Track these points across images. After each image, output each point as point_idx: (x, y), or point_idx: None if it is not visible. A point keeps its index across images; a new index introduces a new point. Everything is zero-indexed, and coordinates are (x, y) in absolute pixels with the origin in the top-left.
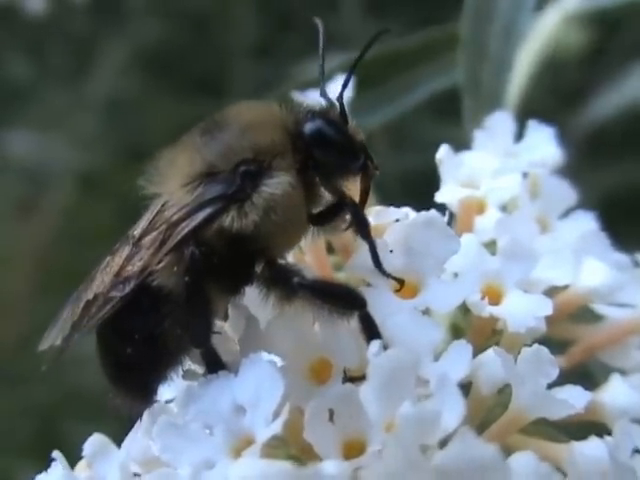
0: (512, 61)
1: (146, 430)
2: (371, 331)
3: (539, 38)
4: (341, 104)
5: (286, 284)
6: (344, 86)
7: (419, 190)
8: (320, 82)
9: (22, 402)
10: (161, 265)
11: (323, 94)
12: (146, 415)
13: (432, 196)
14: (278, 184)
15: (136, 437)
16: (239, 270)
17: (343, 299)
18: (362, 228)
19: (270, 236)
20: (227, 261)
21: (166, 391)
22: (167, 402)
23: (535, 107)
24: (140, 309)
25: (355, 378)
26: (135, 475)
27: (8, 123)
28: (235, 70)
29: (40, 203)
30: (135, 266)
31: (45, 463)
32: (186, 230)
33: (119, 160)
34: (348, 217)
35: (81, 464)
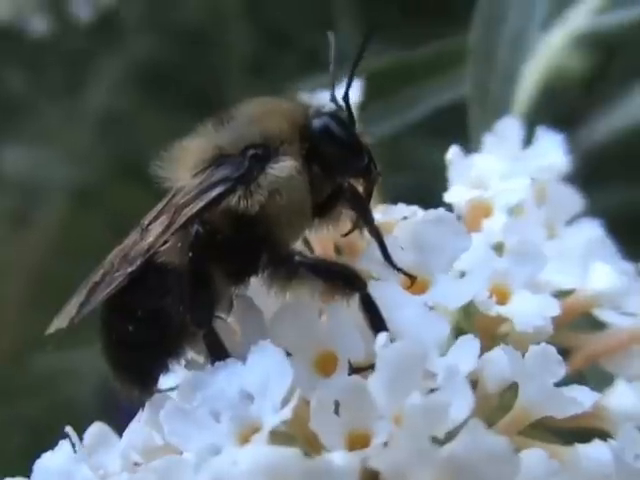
0: (519, 72)
1: (147, 420)
2: (373, 314)
3: (545, 56)
4: (347, 103)
5: (288, 262)
6: (348, 84)
7: None
8: (329, 89)
9: (11, 415)
10: (167, 244)
11: (333, 99)
12: (148, 405)
13: None
14: (284, 167)
15: (137, 427)
16: (244, 256)
17: (344, 278)
18: (361, 213)
19: (275, 220)
20: (232, 245)
21: (168, 381)
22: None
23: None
24: (144, 285)
25: (361, 369)
26: (135, 464)
27: (2, 137)
28: (229, 87)
29: (33, 217)
30: (142, 247)
31: None
32: (194, 210)
33: (113, 175)
34: (349, 209)
35: None
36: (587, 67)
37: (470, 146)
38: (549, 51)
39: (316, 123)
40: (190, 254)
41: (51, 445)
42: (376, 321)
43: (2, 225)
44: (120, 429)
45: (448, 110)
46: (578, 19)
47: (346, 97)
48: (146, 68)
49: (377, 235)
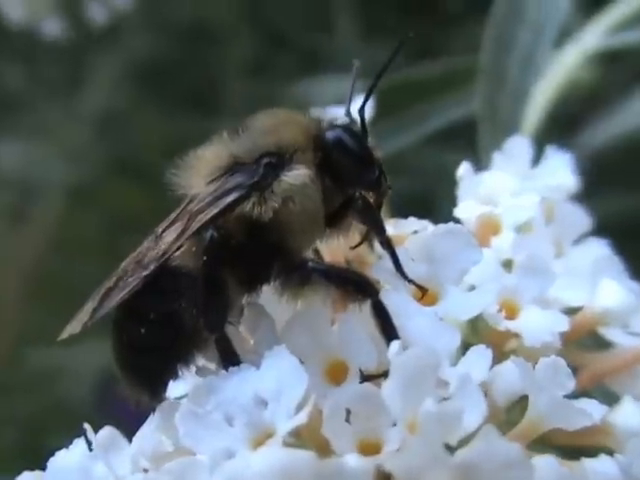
0: (529, 91)
1: (157, 426)
2: (384, 321)
3: (558, 75)
4: (362, 118)
5: (301, 268)
6: (366, 98)
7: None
8: (342, 102)
9: (7, 413)
10: (182, 248)
11: (348, 113)
12: (158, 411)
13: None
14: (298, 175)
15: (147, 432)
16: (257, 262)
17: (356, 284)
18: (373, 223)
19: (288, 227)
20: (246, 251)
21: (176, 389)
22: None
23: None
24: (157, 288)
25: (372, 377)
26: (145, 470)
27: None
28: (227, 87)
29: (30, 214)
30: (157, 252)
31: None
32: (208, 216)
33: (109, 173)
34: (360, 219)
35: None
36: (597, 78)
37: (479, 163)
38: (562, 69)
39: (329, 135)
40: (204, 258)
41: (46, 443)
42: (387, 328)
43: None
44: (115, 428)
45: (456, 122)
46: (592, 38)
47: (362, 111)
48: (144, 66)
49: (389, 245)
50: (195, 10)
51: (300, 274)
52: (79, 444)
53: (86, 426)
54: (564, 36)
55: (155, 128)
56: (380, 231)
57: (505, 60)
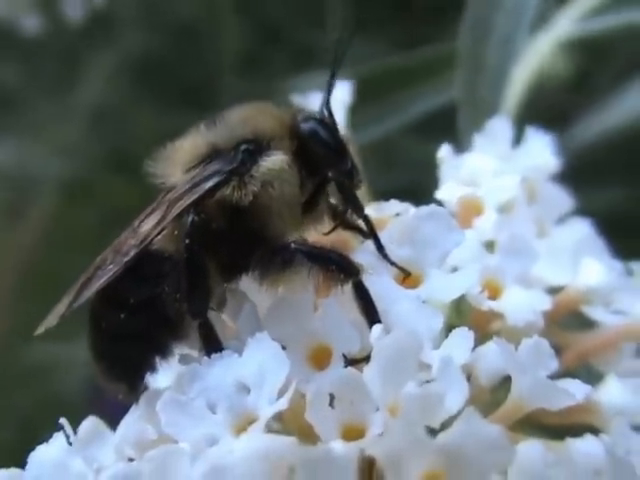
0: (508, 75)
1: (141, 415)
2: (365, 302)
3: (532, 61)
4: (329, 110)
5: (284, 250)
6: (329, 90)
7: None
8: (323, 95)
9: (1, 407)
10: (163, 232)
11: (326, 106)
12: (142, 400)
13: None
14: (276, 160)
15: (131, 420)
16: (237, 248)
17: (338, 263)
18: (350, 200)
19: (267, 212)
20: (226, 236)
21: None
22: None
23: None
24: (138, 274)
25: (356, 361)
26: (130, 460)
27: None
28: (221, 83)
29: (25, 210)
30: (136, 239)
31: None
32: (188, 201)
33: (103, 169)
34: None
35: None
36: (572, 69)
37: (459, 147)
38: (536, 55)
39: (304, 126)
40: (186, 241)
41: (41, 437)
42: (369, 310)
43: None
44: (108, 421)
45: (439, 110)
46: (564, 24)
47: (328, 104)
48: (138, 63)
49: (369, 223)
50: (189, 6)
51: (283, 257)
52: (58, 438)
53: (62, 421)
54: (541, 21)
55: (149, 123)
56: (359, 208)
57: (484, 44)
